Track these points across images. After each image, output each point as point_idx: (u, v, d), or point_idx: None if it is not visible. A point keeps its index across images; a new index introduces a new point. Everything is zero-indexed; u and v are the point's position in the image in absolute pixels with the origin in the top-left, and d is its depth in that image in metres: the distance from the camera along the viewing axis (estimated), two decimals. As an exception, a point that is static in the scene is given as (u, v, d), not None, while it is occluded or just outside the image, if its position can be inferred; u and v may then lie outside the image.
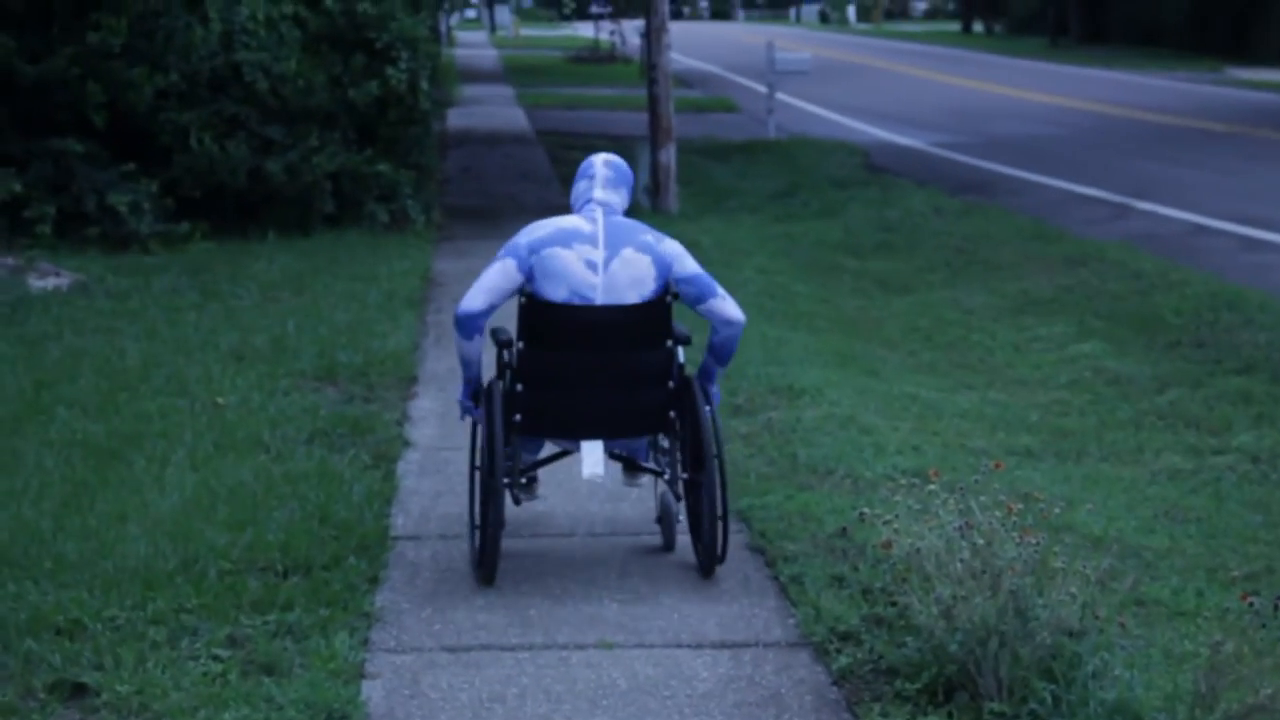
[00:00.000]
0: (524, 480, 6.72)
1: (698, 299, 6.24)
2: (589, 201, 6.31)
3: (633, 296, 6.14)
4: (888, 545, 5.33)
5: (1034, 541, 5.12)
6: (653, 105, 17.66)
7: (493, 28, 68.50)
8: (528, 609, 5.97)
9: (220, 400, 8.86)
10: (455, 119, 27.73)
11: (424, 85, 15.62)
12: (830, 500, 7.21)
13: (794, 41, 52.76)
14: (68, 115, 14.44)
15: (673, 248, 6.26)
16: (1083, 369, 10.62)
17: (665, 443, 6.58)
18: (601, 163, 6.42)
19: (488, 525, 6.20)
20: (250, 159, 14.80)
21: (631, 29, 39.56)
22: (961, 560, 5.12)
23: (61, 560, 6.20)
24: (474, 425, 6.50)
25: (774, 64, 24.81)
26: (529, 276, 6.13)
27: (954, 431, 8.77)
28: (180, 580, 6.04)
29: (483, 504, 6.25)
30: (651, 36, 17.74)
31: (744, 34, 67.51)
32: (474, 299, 6.13)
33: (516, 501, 6.60)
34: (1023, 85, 36.41)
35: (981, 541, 5.13)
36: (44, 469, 7.47)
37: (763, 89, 26.06)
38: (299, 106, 15.08)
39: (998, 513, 5.23)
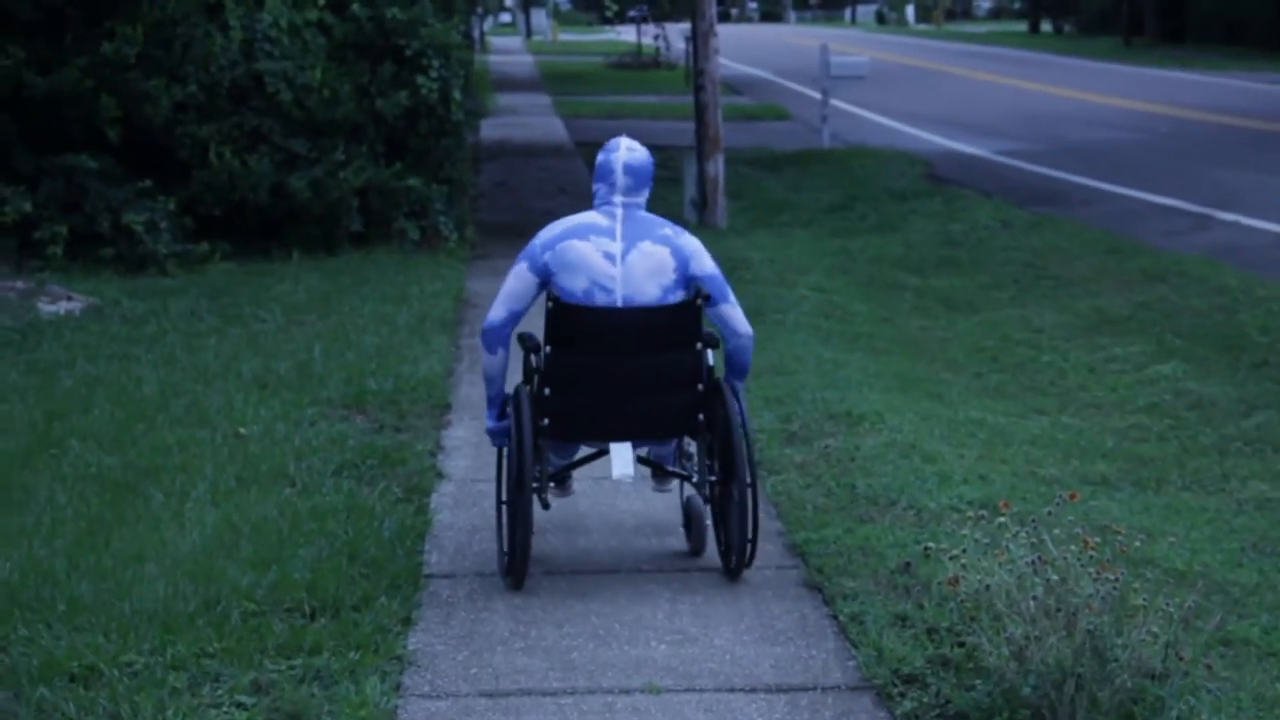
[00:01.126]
0: (552, 484, 7.07)
1: (709, 302, 6.60)
2: (608, 203, 6.67)
3: (653, 288, 6.53)
4: (954, 582, 5.31)
5: (1112, 577, 5.08)
6: (699, 113, 17.68)
7: (528, 33, 68.77)
8: (570, 651, 5.96)
9: (242, 431, 8.89)
10: (489, 130, 27.83)
11: (456, 95, 15.68)
12: (892, 534, 7.19)
13: (850, 44, 52.74)
14: (80, 130, 14.56)
15: (691, 243, 6.69)
16: (1162, 391, 10.56)
17: (693, 447, 6.95)
18: (622, 169, 6.68)
19: (516, 531, 6.50)
20: (273, 174, 14.88)
21: (676, 33, 39.62)
22: (1034, 598, 5.09)
23: (75, 602, 6.23)
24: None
25: (829, 68, 24.82)
26: (546, 275, 6.55)
27: (1024, 459, 8.73)
28: (201, 623, 6.05)
29: (510, 509, 6.60)
30: (698, 40, 17.77)
31: (796, 36, 67.56)
32: (495, 310, 6.62)
33: (545, 506, 6.82)
34: (1095, 88, 36.30)
35: (1055, 577, 5.10)
36: (56, 505, 7.51)
37: (817, 95, 26.05)
38: (324, 118, 15.16)
39: (1073, 546, 5.20)
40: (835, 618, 6.27)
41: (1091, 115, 30.18)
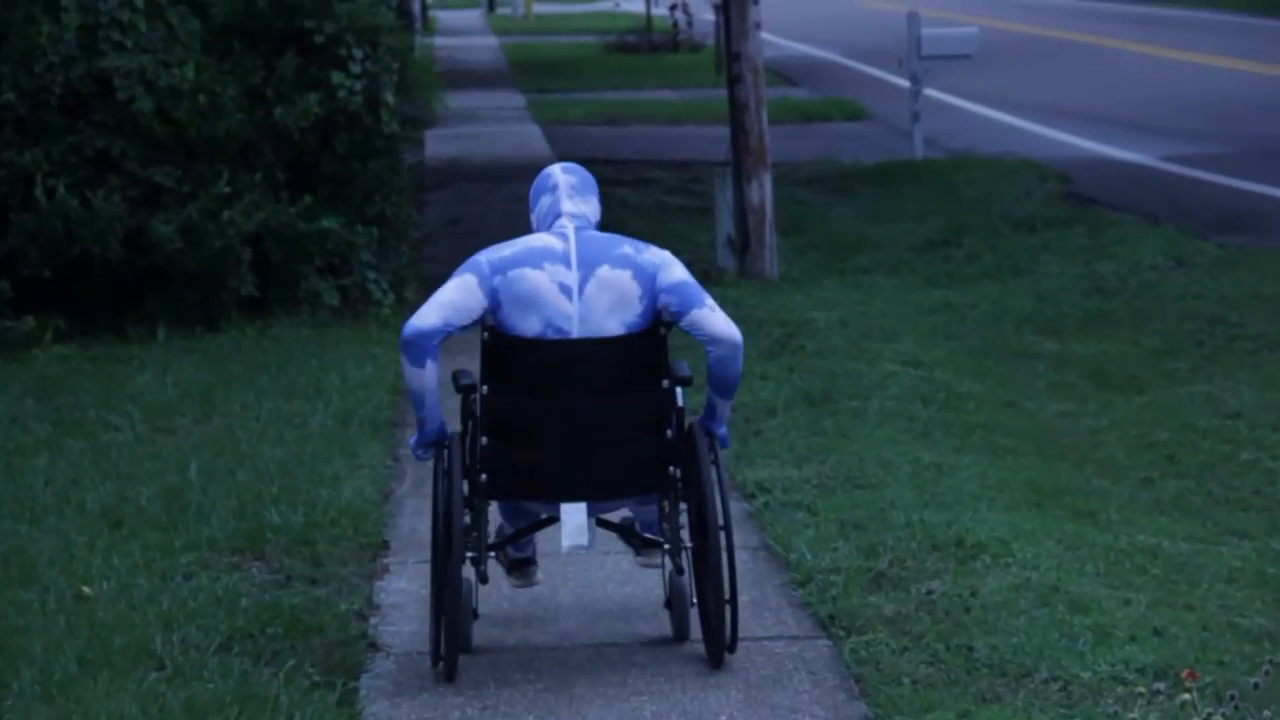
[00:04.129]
0: (511, 573, 8.31)
1: (680, 310, 7.67)
2: (558, 216, 7.80)
3: (614, 324, 7.62)
4: (1121, 789, 5.27)
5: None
6: (736, 115, 17.69)
7: (491, 4, 69.09)
8: None
9: (86, 590, 8.86)
10: (437, 145, 27.88)
11: (389, 97, 15.69)
12: (1029, 718, 7.15)
13: (948, 10, 52.89)
14: None
15: (657, 256, 7.74)
16: None
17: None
18: (560, 170, 7.95)
19: (444, 611, 7.59)
20: (127, 217, 14.86)
21: (702, -2, 39.72)
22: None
23: None
24: (435, 483, 7.84)
25: (920, 45, 24.81)
26: (492, 301, 7.59)
27: (1219, 605, 8.69)
28: None
29: (435, 582, 7.71)
30: (731, 9, 17.79)
31: (871, 0, 67.83)
32: (426, 315, 7.60)
33: (483, 579, 7.90)
34: (1305, 63, 36.35)
35: (1268, 780, 5.06)
36: None
37: (904, 83, 26.09)
38: (200, 135, 15.15)
39: (1292, 734, 5.16)
40: (949, 844, 6.23)
41: (1301, 102, 30.20)
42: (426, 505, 10.18)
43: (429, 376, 7.61)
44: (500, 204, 22.11)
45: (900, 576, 8.95)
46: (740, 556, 8.56)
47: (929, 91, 25.92)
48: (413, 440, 7.95)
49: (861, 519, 9.76)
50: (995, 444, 11.79)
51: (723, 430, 7.97)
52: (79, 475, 10.91)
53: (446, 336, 7.60)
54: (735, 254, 17.44)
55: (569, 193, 7.83)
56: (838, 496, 10.21)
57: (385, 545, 9.77)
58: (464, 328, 7.64)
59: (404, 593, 9.03)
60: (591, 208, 7.86)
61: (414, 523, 10.06)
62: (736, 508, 9.96)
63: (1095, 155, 25.20)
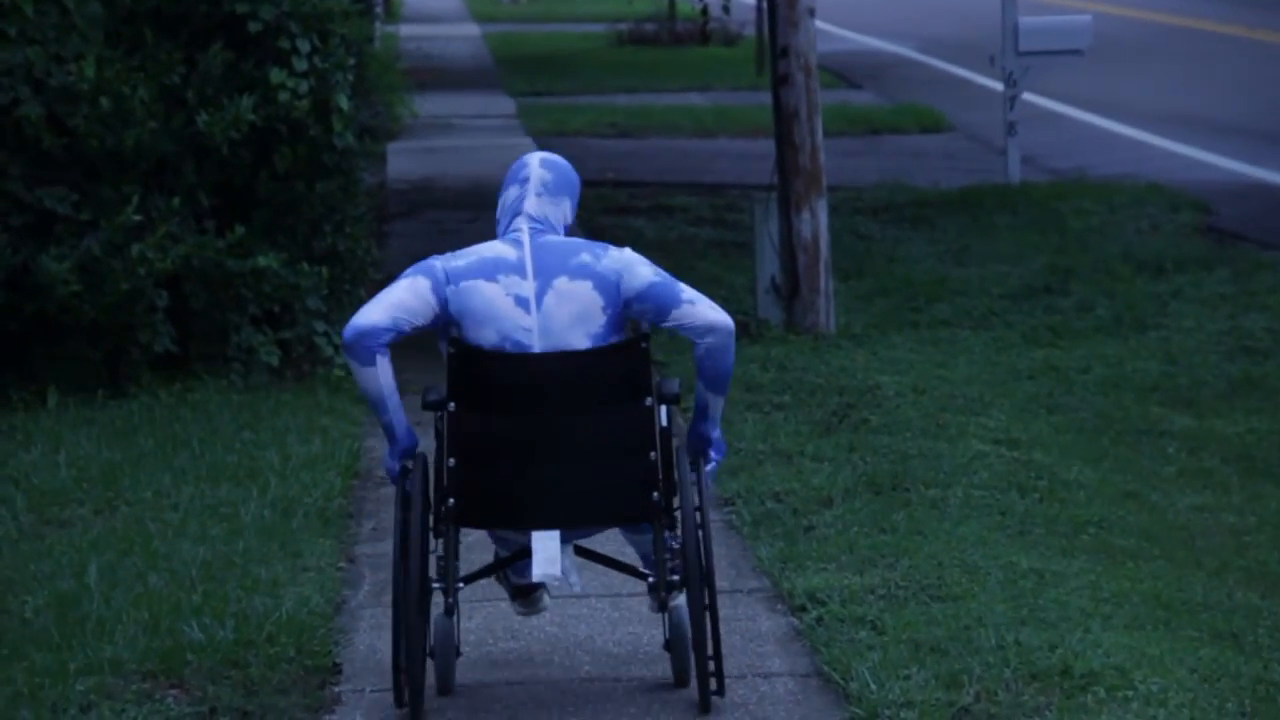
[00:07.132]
0: (516, 601, 9.39)
1: (660, 313, 8.70)
2: (517, 215, 8.90)
3: (578, 338, 8.66)
4: None
5: None
6: (783, 125, 17.64)
7: (472, -16, 69.20)
8: None
9: (-44, 724, 8.87)
10: (403, 162, 27.91)
11: (342, 102, 15.68)
12: None
13: (1053, -8, 52.91)
14: None
15: (619, 260, 8.75)
16: None
17: (675, 540, 8.92)
18: (538, 163, 9.01)
19: (402, 647, 8.59)
20: (10, 252, 14.86)
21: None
22: None
23: None
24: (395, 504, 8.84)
25: (1018, 37, 24.79)
26: (444, 309, 8.66)
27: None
28: None
29: (395, 616, 8.66)
30: (777, -6, 17.80)
31: (955, -20, 67.96)
32: (371, 312, 8.60)
33: (449, 611, 8.84)
34: None
35: None
36: None
37: (997, 86, 26.11)
38: (103, 149, 15.14)
39: None
40: None
41: None
42: (388, 617, 10.22)
43: (383, 375, 8.60)
44: (482, 237, 22.07)
45: (990, 713, 8.93)
46: (787, 685, 8.70)
47: (1028, 96, 25.93)
48: (385, 456, 8.94)
49: (940, 639, 9.74)
50: (1112, 546, 11.76)
51: (716, 433, 8.98)
52: (-53, 578, 10.93)
53: (396, 338, 8.62)
54: (781, 302, 17.37)
55: (538, 189, 8.91)
56: (910, 610, 10.17)
57: (336, 668, 9.72)
58: (414, 331, 8.67)
59: (361, 731, 9.04)
60: (560, 211, 8.95)
61: (373, 640, 10.03)
62: (782, 623, 10.05)
63: (1241, 178, 25.19)
